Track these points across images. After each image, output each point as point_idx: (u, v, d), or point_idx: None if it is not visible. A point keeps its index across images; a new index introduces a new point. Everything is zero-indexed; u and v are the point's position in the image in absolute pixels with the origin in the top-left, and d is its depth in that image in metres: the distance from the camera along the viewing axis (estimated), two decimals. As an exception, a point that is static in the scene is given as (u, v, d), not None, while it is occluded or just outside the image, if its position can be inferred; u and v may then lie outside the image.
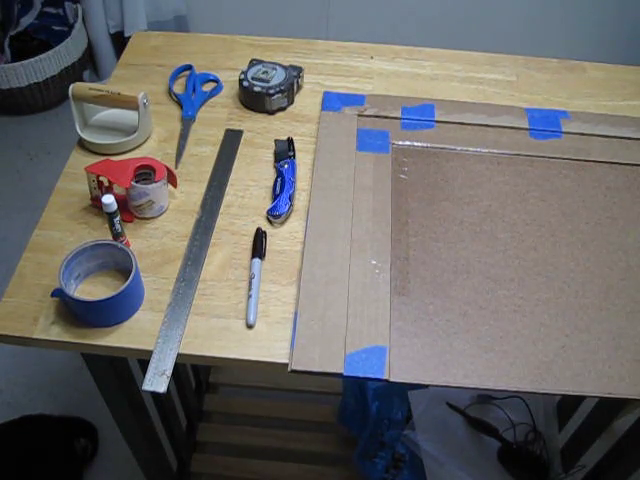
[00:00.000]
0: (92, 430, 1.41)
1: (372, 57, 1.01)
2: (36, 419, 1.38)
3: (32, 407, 1.47)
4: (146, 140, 0.86)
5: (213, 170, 0.83)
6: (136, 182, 0.75)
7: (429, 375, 0.63)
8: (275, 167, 0.83)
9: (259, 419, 1.39)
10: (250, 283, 0.70)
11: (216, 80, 0.95)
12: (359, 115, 0.89)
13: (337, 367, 0.63)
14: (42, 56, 2.00)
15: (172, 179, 0.79)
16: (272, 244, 0.75)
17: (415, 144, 0.86)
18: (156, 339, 0.65)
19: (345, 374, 0.63)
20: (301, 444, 1.34)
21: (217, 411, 1.41)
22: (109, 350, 0.66)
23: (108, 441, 1.41)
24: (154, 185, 0.74)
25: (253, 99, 0.90)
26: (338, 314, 0.67)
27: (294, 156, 0.84)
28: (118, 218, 0.69)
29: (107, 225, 0.70)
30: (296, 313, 0.67)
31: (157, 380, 0.62)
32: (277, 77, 0.91)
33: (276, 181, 0.80)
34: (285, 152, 0.84)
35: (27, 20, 2.07)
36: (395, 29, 2.16)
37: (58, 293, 0.65)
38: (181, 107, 0.91)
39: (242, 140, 0.87)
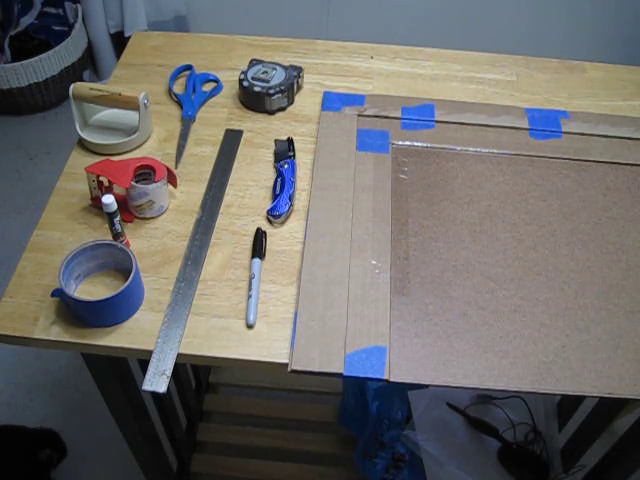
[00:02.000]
0: (58, 441, 1.38)
1: (372, 57, 1.01)
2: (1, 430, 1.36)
3: (32, 407, 1.47)
4: (146, 140, 0.86)
5: (213, 170, 0.83)
6: (136, 182, 0.75)
7: (429, 375, 0.63)
8: (275, 167, 0.83)
9: (259, 419, 1.39)
10: (250, 283, 0.70)
11: (216, 80, 0.95)
12: (359, 115, 0.89)
13: (337, 367, 0.63)
14: (42, 56, 2.00)
15: (172, 179, 0.78)
16: (272, 244, 0.75)
17: (415, 144, 0.86)
18: (156, 339, 0.65)
19: (345, 374, 0.63)
20: (301, 444, 1.34)
21: (217, 411, 1.41)
22: (109, 350, 0.66)
23: (108, 441, 1.41)
24: (154, 185, 0.74)
25: (253, 99, 0.90)
26: (338, 314, 0.67)
27: (294, 156, 0.84)
28: (118, 218, 0.69)
29: (107, 225, 0.70)
30: (296, 313, 0.67)
31: (157, 380, 0.62)
32: (277, 77, 0.91)
33: (276, 181, 0.80)
34: (285, 152, 0.84)
35: (27, 20, 2.08)
36: (395, 29, 2.16)
37: (58, 293, 0.65)
38: (181, 107, 0.91)
39: (242, 140, 0.87)
